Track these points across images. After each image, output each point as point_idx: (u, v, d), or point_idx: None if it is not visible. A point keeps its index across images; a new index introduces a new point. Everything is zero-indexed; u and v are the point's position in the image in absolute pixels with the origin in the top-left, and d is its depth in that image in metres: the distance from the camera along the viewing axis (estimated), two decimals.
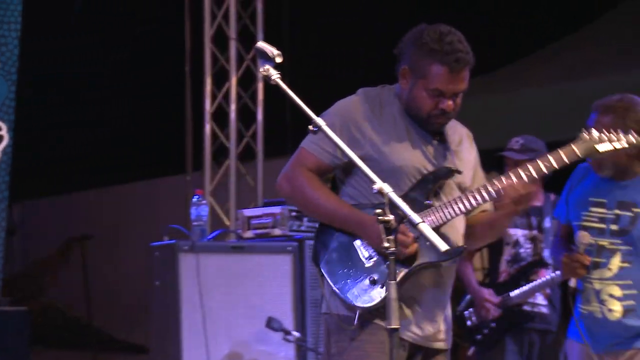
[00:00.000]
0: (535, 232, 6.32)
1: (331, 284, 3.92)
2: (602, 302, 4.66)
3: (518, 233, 6.35)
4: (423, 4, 10.10)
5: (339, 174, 4.08)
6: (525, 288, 6.23)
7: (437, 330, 4.02)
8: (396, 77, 4.05)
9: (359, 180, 3.98)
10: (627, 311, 4.62)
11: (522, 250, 6.34)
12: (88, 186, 13.12)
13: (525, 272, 6.29)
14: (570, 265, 4.65)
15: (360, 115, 3.98)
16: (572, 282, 4.68)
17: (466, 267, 6.38)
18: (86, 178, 13.00)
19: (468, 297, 6.49)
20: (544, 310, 6.29)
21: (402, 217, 3.43)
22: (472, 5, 10.76)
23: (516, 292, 6.24)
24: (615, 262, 4.64)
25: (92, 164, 12.87)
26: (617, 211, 4.65)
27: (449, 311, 4.10)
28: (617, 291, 4.64)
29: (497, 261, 6.41)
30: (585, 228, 4.69)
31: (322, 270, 3.95)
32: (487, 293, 6.27)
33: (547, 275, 6.24)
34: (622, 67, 8.02)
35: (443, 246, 3.32)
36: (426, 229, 3.33)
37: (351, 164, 3.93)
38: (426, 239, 3.33)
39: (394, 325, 3.32)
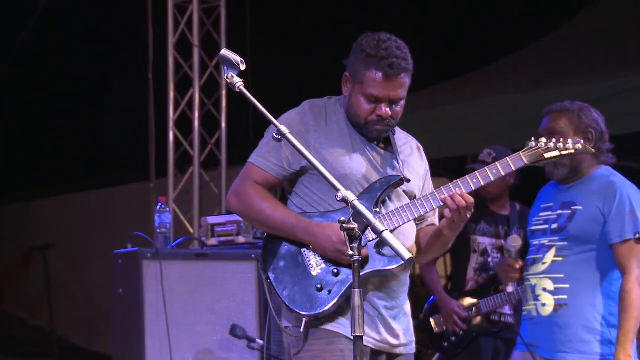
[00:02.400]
0: (502, 241, 6.34)
1: (278, 292, 3.92)
2: (536, 297, 4.74)
3: (486, 241, 6.38)
4: (383, 14, 10.14)
5: (285, 186, 4.10)
6: (495, 298, 6.24)
7: (396, 335, 4.02)
8: None
9: (305, 189, 4.02)
10: (559, 306, 4.68)
11: (490, 260, 6.36)
12: (50, 194, 13.04)
13: (493, 282, 6.31)
14: (504, 270, 4.81)
15: (304, 126, 4.00)
16: (510, 288, 4.76)
17: (432, 273, 6.40)
18: (48, 186, 12.93)
19: (430, 301, 6.50)
20: (510, 320, 6.32)
21: (365, 226, 3.45)
22: (429, 14, 10.83)
23: (486, 301, 6.25)
24: (549, 257, 4.73)
25: (55, 171, 12.81)
26: (559, 211, 4.77)
27: (408, 316, 4.11)
28: (549, 285, 4.71)
29: (464, 268, 6.43)
30: (534, 232, 4.83)
31: (269, 277, 3.95)
32: (456, 305, 6.28)
33: (515, 287, 6.26)
34: (579, 77, 8.09)
35: (406, 254, 3.33)
36: (390, 237, 3.34)
37: (297, 174, 4.00)
38: (390, 247, 3.34)
39: (358, 333, 3.33)
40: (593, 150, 4.28)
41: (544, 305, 4.70)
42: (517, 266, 4.78)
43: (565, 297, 4.66)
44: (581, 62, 8.50)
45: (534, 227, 4.85)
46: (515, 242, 4.79)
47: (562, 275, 4.68)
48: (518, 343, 4.93)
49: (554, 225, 4.75)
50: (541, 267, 4.73)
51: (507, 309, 6.31)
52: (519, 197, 6.41)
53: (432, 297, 6.49)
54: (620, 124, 7.35)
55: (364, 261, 3.87)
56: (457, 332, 6.28)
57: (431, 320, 6.43)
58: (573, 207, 4.72)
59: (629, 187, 4.72)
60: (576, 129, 4.48)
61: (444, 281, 6.68)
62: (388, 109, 3.96)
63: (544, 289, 4.70)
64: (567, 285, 4.66)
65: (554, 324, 4.67)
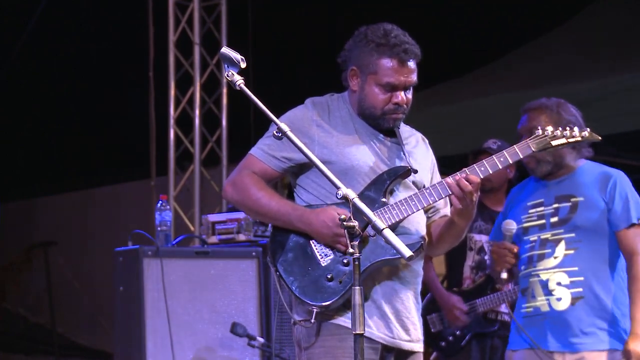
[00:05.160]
0: None
1: (288, 284, 3.91)
2: (550, 292, 4.74)
3: (482, 239, 6.37)
4: (385, 12, 10.14)
5: (290, 179, 4.11)
6: (492, 297, 6.24)
7: (407, 329, 4.01)
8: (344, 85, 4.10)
9: (312, 183, 4.01)
10: (575, 299, 4.70)
11: (486, 257, 6.35)
12: (52, 192, 13.04)
13: (490, 281, 6.30)
14: (499, 254, 4.74)
15: (308, 121, 4.01)
16: (504, 274, 4.73)
17: (429, 271, 6.38)
18: (50, 183, 12.93)
19: (426, 300, 6.48)
20: (507, 318, 6.32)
21: (366, 223, 3.46)
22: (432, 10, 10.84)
23: (483, 300, 6.25)
24: (560, 250, 4.74)
25: (56, 169, 12.81)
26: (556, 205, 4.78)
27: (419, 310, 4.09)
28: (564, 278, 4.72)
29: (460, 266, 6.43)
30: (526, 229, 4.82)
31: (279, 270, 3.94)
32: (457, 300, 6.27)
33: (512, 285, 6.26)
34: (584, 74, 8.09)
35: (407, 252, 3.33)
36: (390, 235, 3.35)
37: (300, 168, 4.01)
38: (391, 245, 3.34)
39: (359, 331, 3.33)
40: (600, 138, 4.27)
41: (559, 299, 4.71)
42: (515, 250, 4.76)
43: (581, 289, 4.69)
44: (579, 61, 8.51)
45: (526, 224, 4.83)
46: (511, 225, 4.76)
47: (576, 268, 4.71)
48: (511, 342, 4.92)
49: (554, 219, 4.76)
50: (553, 262, 4.74)
51: (503, 308, 6.31)
52: None
53: (428, 295, 6.47)
54: (614, 123, 7.37)
55: (372, 251, 3.86)
56: (461, 325, 6.27)
57: (428, 319, 6.42)
58: (572, 199, 4.75)
59: (621, 175, 4.79)
60: (556, 125, 4.48)
61: (441, 279, 6.66)
62: (404, 95, 3.99)
63: (559, 283, 4.72)
64: (582, 278, 4.70)
65: (570, 317, 4.70)
